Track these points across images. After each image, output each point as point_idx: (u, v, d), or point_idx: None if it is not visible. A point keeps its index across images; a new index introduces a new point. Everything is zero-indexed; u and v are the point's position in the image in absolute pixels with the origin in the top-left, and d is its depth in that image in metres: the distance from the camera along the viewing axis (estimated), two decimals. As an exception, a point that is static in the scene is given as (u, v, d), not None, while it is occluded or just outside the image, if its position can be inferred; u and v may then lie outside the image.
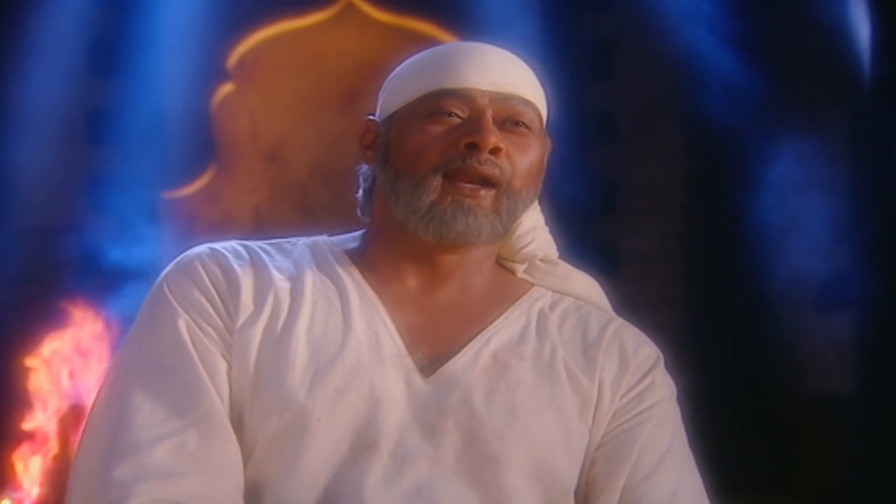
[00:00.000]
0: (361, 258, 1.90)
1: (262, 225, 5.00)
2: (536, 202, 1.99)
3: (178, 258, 1.86)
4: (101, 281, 4.63)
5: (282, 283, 1.85)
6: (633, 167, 5.01)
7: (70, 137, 4.85)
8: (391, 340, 1.82)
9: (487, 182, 1.82)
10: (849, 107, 4.80)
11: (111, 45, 4.88)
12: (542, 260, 1.98)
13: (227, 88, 5.11)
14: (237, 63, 5.11)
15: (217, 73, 5.08)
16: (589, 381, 1.86)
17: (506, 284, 1.94)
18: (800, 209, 4.79)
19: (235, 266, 1.84)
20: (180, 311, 1.81)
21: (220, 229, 4.84)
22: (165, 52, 4.90)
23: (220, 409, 1.76)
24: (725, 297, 4.85)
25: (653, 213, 4.97)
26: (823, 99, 4.79)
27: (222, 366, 1.79)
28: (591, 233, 4.61)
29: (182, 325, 1.80)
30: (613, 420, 1.87)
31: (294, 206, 5.09)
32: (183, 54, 4.92)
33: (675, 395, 1.92)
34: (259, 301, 1.82)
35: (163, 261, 1.89)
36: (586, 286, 1.99)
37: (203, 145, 5.06)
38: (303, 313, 1.82)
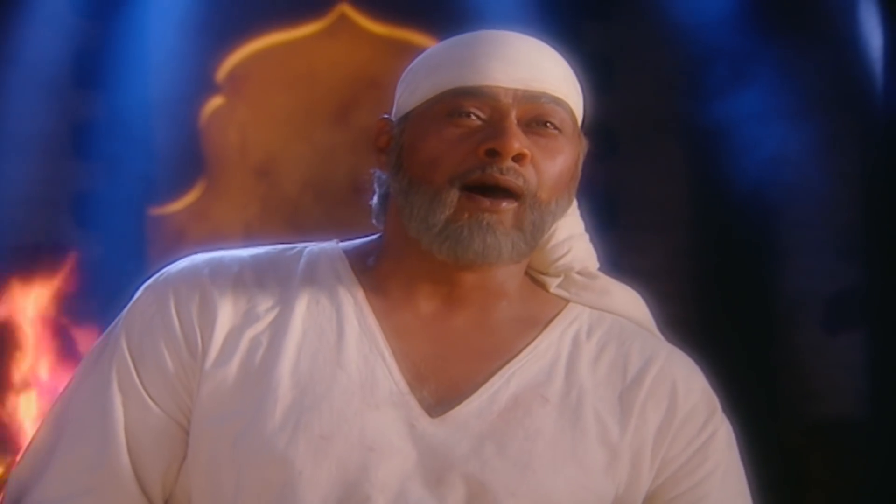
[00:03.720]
0: (370, 275, 1.72)
1: (253, 242, 4.90)
2: (575, 207, 1.82)
3: (157, 277, 1.71)
4: (86, 299, 4.57)
5: (267, 312, 1.67)
6: (634, 182, 4.94)
7: (54, 152, 4.76)
8: (389, 377, 1.64)
9: (509, 194, 1.65)
10: (860, 120, 4.72)
11: (97, 57, 4.78)
12: (579, 273, 1.80)
13: (216, 102, 5.03)
14: (227, 76, 5.04)
15: (206, 86, 4.99)
16: (620, 431, 1.67)
17: (535, 305, 1.75)
18: (807, 225, 4.71)
19: (215, 294, 1.67)
20: (125, 350, 1.67)
21: (210, 246, 4.74)
22: (153, 64, 4.82)
23: (126, 468, 1.64)
24: (730, 315, 4.77)
25: (654, 229, 4.89)
26: (833, 112, 4.72)
27: (154, 419, 1.65)
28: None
29: (115, 370, 1.66)
30: (674, 482, 1.69)
31: (285, 223, 5.01)
32: (171, 66, 4.84)
33: (733, 440, 1.74)
34: (236, 336, 1.66)
35: (152, 275, 1.78)
36: (628, 302, 1.80)
37: (191, 160, 4.97)
38: (288, 347, 1.65)
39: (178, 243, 4.88)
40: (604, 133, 4.99)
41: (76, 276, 4.69)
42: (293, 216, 5.04)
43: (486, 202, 1.64)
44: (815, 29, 4.71)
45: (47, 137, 4.74)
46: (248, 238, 4.96)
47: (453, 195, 1.64)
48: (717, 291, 4.84)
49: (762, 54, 4.74)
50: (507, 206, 1.65)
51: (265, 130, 5.05)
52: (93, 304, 4.58)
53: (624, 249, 4.76)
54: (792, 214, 4.75)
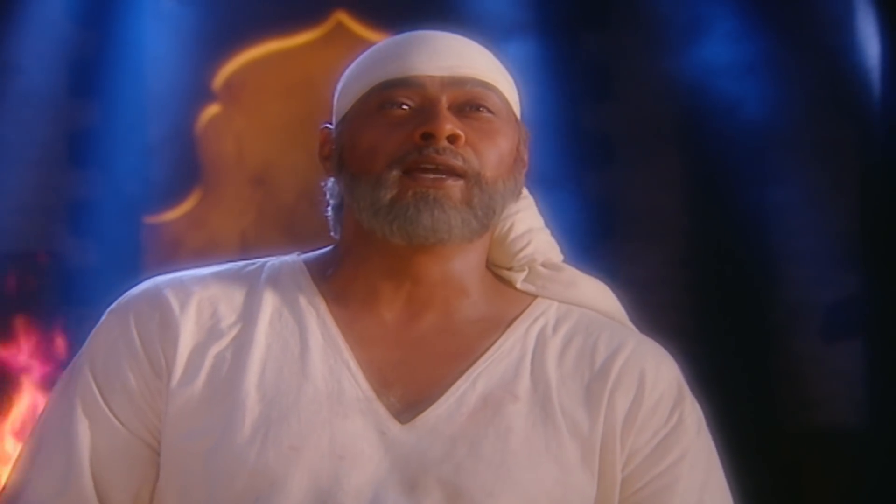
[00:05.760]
0: (331, 285, 1.71)
1: (249, 250, 4.89)
2: (532, 203, 1.82)
3: (119, 300, 1.70)
4: (80, 308, 4.55)
5: (230, 327, 1.66)
6: (632, 191, 4.92)
7: (49, 160, 4.75)
8: (356, 385, 1.63)
9: (452, 172, 1.65)
10: (856, 128, 4.71)
11: (93, 65, 4.77)
12: (543, 265, 1.77)
13: (212, 110, 5.02)
14: (223, 84, 5.03)
15: (203, 95, 4.98)
16: (590, 422, 1.66)
17: (500, 303, 1.73)
18: (805, 234, 4.70)
19: (176, 311, 1.66)
20: (88, 375, 1.67)
21: (206, 255, 4.74)
22: (149, 72, 4.81)
23: (89, 492, 1.64)
24: (727, 325, 4.76)
25: (652, 239, 4.88)
26: (830, 120, 4.71)
27: (122, 442, 1.65)
28: (587, 259, 4.51)
29: (79, 395, 1.66)
30: (641, 472, 1.67)
31: (282, 231, 5.00)
32: (167, 75, 4.83)
33: (703, 424, 1.71)
34: (200, 353, 1.65)
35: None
36: (596, 293, 1.78)
37: (188, 168, 4.96)
38: (252, 362, 1.64)
39: (174, 252, 4.87)
40: (601, 142, 5.00)
41: (71, 283, 4.68)
42: (289, 224, 5.02)
43: (428, 179, 1.64)
44: (812, 38, 4.71)
45: (43, 146, 4.73)
46: (245, 246, 4.95)
47: (394, 177, 1.65)
48: (714, 301, 4.83)
49: (759, 63, 4.74)
50: (453, 182, 1.65)
51: (261, 138, 5.04)
52: (87, 312, 4.56)
53: (621, 259, 4.75)
54: (789, 223, 4.74)
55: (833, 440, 4.73)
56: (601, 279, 1.82)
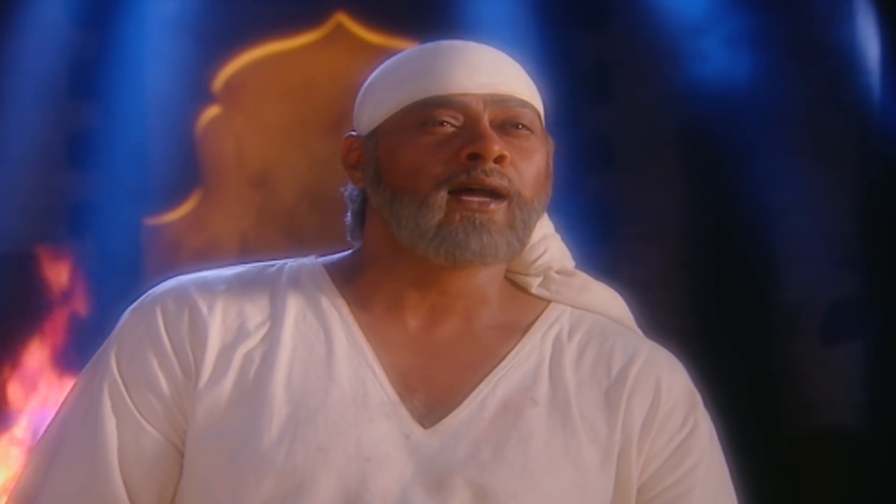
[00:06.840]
0: (353, 290, 1.71)
1: (249, 252, 4.89)
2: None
3: (143, 298, 1.69)
4: (81, 310, 4.56)
5: (257, 328, 1.66)
6: (632, 192, 4.93)
7: (50, 162, 4.76)
8: (380, 389, 1.63)
9: (496, 194, 1.65)
10: (856, 128, 4.72)
11: (93, 67, 4.79)
12: (557, 271, 1.78)
13: (212, 111, 5.03)
14: (223, 85, 5.03)
15: (203, 96, 4.99)
16: (608, 428, 1.67)
17: (516, 309, 1.74)
18: (805, 235, 4.71)
19: (204, 311, 1.66)
20: (115, 372, 1.66)
21: (206, 256, 4.74)
22: (149, 74, 4.82)
23: (119, 491, 1.63)
24: (727, 325, 4.77)
25: (652, 240, 4.89)
26: (830, 120, 4.72)
27: (148, 441, 1.64)
28: (588, 259, 4.50)
29: (106, 392, 1.65)
30: (658, 478, 1.68)
31: (281, 233, 5.01)
32: (167, 76, 4.84)
33: (714, 432, 1.73)
34: (228, 353, 1.64)
35: (145, 290, 1.74)
36: (606, 299, 1.79)
37: (188, 170, 4.97)
38: (279, 363, 1.64)
39: (174, 253, 4.87)
40: (601, 143, 5.00)
41: (71, 285, 4.68)
42: (289, 226, 5.03)
43: (475, 203, 1.64)
44: (813, 39, 4.72)
45: (43, 147, 4.74)
46: (245, 248, 4.96)
47: (441, 199, 1.64)
48: (714, 302, 4.84)
49: (759, 64, 4.75)
50: (496, 206, 1.65)
51: (261, 140, 5.05)
52: (88, 313, 4.57)
53: (621, 259, 4.76)
54: (789, 225, 4.74)
55: (833, 441, 4.74)
56: (607, 282, 1.83)
